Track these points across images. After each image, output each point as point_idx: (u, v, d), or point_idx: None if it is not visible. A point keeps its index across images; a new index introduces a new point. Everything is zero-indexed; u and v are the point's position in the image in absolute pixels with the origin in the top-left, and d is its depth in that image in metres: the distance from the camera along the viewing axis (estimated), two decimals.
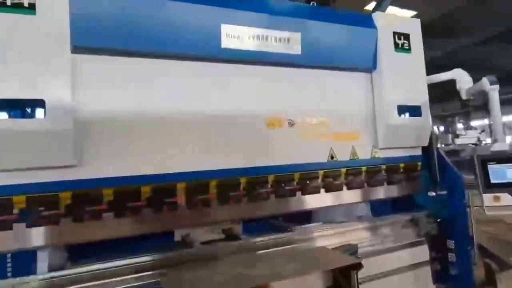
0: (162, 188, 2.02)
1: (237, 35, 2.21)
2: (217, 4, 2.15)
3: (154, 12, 1.99)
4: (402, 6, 11.69)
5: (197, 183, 2.10)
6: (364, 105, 2.73)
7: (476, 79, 3.57)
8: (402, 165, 2.83)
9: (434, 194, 2.96)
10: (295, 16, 2.41)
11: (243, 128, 2.27)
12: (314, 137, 2.50)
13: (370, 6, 10.91)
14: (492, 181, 2.65)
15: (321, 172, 2.48)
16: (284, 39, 2.36)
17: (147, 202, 1.98)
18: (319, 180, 2.47)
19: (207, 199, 2.12)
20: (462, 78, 3.22)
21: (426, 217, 2.86)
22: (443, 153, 3.02)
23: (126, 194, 1.93)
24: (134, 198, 1.95)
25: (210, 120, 2.17)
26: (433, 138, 3.01)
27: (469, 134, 12.90)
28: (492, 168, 2.65)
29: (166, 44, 2.04)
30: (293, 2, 2.57)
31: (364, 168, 2.66)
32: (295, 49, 2.40)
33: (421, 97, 2.85)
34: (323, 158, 2.53)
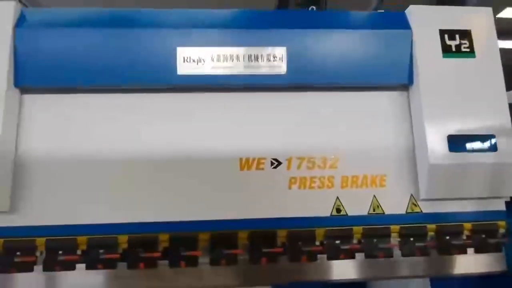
0: (100, 241, 1.67)
1: (197, 57, 1.76)
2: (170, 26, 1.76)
3: (93, 43, 1.73)
4: None
5: (142, 237, 1.68)
6: (396, 136, 1.86)
7: None
8: (467, 225, 1.81)
9: None
10: (279, 27, 1.82)
11: (205, 171, 1.76)
12: (310, 182, 1.79)
13: None
14: None
15: (319, 230, 1.74)
16: (265, 57, 1.79)
17: (82, 255, 1.65)
18: (317, 242, 1.74)
19: (152, 258, 1.67)
20: None
21: None
22: None
23: (60, 245, 1.64)
24: (69, 250, 1.65)
25: (159, 162, 1.74)
26: None
27: None
28: None
29: (108, 76, 1.74)
30: (276, 10, 1.97)
31: (394, 228, 1.78)
32: (279, 67, 1.79)
33: (497, 122, 1.80)
34: (324, 211, 1.78)
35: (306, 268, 1.75)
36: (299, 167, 1.78)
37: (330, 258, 1.74)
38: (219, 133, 1.78)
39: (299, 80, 1.81)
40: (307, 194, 1.77)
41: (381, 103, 1.88)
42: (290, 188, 1.77)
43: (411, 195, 1.81)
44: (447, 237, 1.78)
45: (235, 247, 1.70)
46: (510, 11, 9.76)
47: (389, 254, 1.75)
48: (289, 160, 1.78)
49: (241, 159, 1.76)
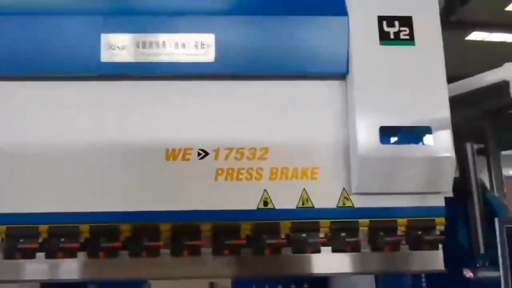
0: (20, 230, 1.61)
1: (121, 44, 1.68)
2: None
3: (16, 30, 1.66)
4: None
5: (62, 228, 1.62)
6: (331, 127, 1.75)
7: None
8: (402, 221, 1.70)
9: (471, 275, 1.68)
10: (207, 13, 1.72)
11: (129, 162, 1.68)
12: (238, 174, 1.70)
13: None
14: None
15: (245, 224, 1.66)
16: (192, 44, 1.70)
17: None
18: (242, 235, 1.65)
19: (71, 248, 1.61)
20: None
21: None
22: (501, 205, 1.71)
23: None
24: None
25: (81, 152, 1.66)
26: (471, 183, 1.74)
27: None
28: None
29: (32, 64, 1.67)
30: None
31: (323, 222, 1.68)
32: (207, 55, 1.70)
33: (434, 114, 1.68)
34: (251, 204, 1.69)
35: (231, 261, 1.67)
36: (226, 158, 1.69)
37: (256, 253, 1.65)
38: (145, 122, 1.70)
39: (229, 68, 1.71)
40: (234, 186, 1.67)
41: (317, 93, 1.77)
42: (216, 179, 1.68)
43: (344, 188, 1.70)
44: (381, 233, 1.68)
45: (157, 239, 1.63)
46: None
47: (316, 249, 1.65)
48: (217, 151, 1.69)
49: (167, 150, 1.68)
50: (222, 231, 1.63)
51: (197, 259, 1.63)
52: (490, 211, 1.73)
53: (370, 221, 1.67)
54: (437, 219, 1.70)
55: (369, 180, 1.65)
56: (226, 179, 1.67)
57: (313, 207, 1.67)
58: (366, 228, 1.68)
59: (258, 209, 1.66)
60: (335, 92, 1.76)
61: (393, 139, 1.64)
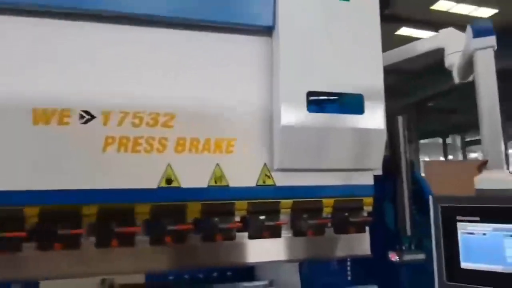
0: None
1: None
2: None
3: None
4: (480, 3, 9.41)
5: None
6: (254, 91, 1.47)
7: None
8: (329, 202, 1.51)
9: (396, 258, 1.55)
10: None
11: None
12: (134, 144, 1.35)
13: None
14: (465, 263, 1.05)
15: (141, 206, 1.32)
16: None
17: None
18: (138, 221, 1.32)
19: None
20: (453, 44, 1.63)
21: None
22: (426, 186, 1.60)
23: None
24: None
25: None
26: (401, 158, 1.61)
27: None
28: (466, 230, 1.08)
29: None
30: None
31: (240, 204, 1.42)
32: None
33: (367, 80, 1.49)
34: (150, 182, 1.36)
35: (121, 254, 1.33)
36: (120, 123, 1.31)
37: (154, 242, 1.33)
38: (7, 71, 1.26)
39: (135, 9, 1.33)
40: (128, 160, 1.31)
41: (239, 50, 1.46)
42: (105, 150, 1.29)
43: (265, 164, 1.44)
44: (304, 216, 1.47)
45: (21, 228, 1.21)
46: (443, 4, 9.92)
47: (230, 236, 1.38)
48: (106, 114, 1.30)
49: (35, 110, 1.25)
50: (111, 216, 1.27)
51: (76, 253, 1.26)
52: (417, 191, 1.61)
53: (293, 202, 1.44)
54: (365, 199, 1.53)
55: (293, 155, 1.41)
56: (118, 150, 1.30)
57: (228, 185, 1.39)
58: (289, 210, 1.45)
59: (159, 188, 1.32)
60: (260, 50, 1.47)
61: (321, 107, 1.42)
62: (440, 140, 15.77)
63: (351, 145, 1.45)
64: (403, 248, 1.52)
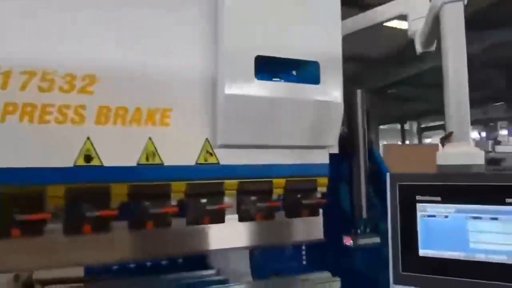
0: None
1: None
2: None
3: None
4: None
5: None
6: (194, 54, 1.26)
7: None
8: (279, 182, 1.36)
9: (351, 242, 1.44)
10: None
11: None
12: (43, 113, 1.11)
13: None
14: (423, 250, 0.89)
15: (53, 188, 1.10)
16: None
17: None
18: (49, 206, 1.09)
19: None
20: (417, 10, 1.52)
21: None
22: (385, 167, 1.49)
23: None
24: None
25: None
26: (358, 134, 1.48)
27: None
28: (426, 212, 0.89)
29: None
30: None
31: (177, 185, 1.23)
32: None
33: (323, 48, 1.32)
34: (63, 160, 1.13)
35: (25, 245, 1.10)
36: (23, 87, 1.06)
37: (67, 231, 1.11)
38: None
39: None
40: (35, 132, 1.07)
41: (179, 7, 1.24)
42: (3, 120, 1.05)
43: (207, 140, 1.25)
44: (252, 198, 1.31)
45: None
46: None
47: (164, 222, 1.20)
48: (6, 74, 1.06)
49: None
50: (13, 202, 1.04)
51: None
52: (375, 171, 1.49)
53: (239, 182, 1.27)
54: (320, 179, 1.39)
55: (239, 129, 1.23)
56: (21, 120, 1.05)
57: (163, 164, 1.18)
58: (234, 192, 1.28)
59: (75, 166, 1.10)
60: (203, 8, 1.26)
61: (272, 75, 1.24)
62: (399, 126, 16.35)
63: (305, 119, 1.29)
64: (358, 232, 1.41)
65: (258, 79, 1.20)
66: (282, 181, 1.33)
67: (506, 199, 0.78)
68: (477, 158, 0.92)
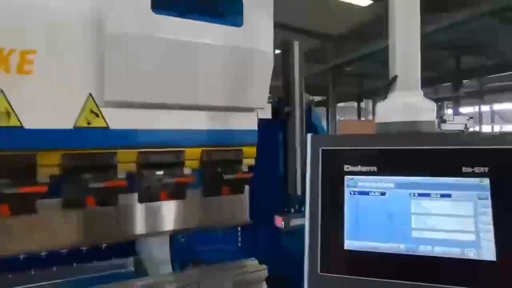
0: None
1: None
2: None
3: None
4: None
5: None
6: None
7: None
8: (192, 153, 1.10)
9: (282, 224, 1.22)
10: None
11: None
12: None
13: None
14: (351, 242, 0.60)
15: None
16: None
17: None
18: None
19: None
20: None
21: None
22: (324, 127, 1.26)
23: None
24: None
25: None
26: (295, 95, 1.23)
27: (457, 120, 11.12)
28: (357, 188, 0.61)
29: None
30: None
31: (46, 158, 0.93)
32: None
33: None
34: None
35: None
36: None
37: None
38: None
39: None
40: None
41: None
42: None
43: (90, 95, 0.94)
44: (155, 174, 1.03)
45: None
46: None
47: (27, 208, 0.90)
48: None
49: None
50: None
51: None
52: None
53: (138, 153, 0.99)
54: (246, 150, 1.14)
55: (134, 81, 0.93)
56: None
57: (21, 126, 0.87)
58: (131, 165, 1.00)
59: None
60: None
61: (176, 10, 0.94)
62: (355, 104, 16.61)
63: (224, 71, 1.02)
64: (292, 211, 1.19)
65: (156, 13, 0.90)
66: (196, 151, 1.06)
67: (463, 168, 0.56)
68: (428, 112, 0.68)
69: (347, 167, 0.60)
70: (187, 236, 1.42)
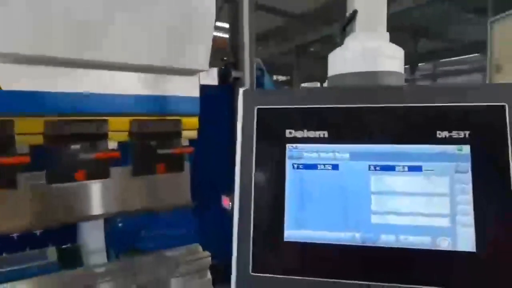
0: None
1: None
2: None
3: None
4: None
5: None
6: None
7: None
8: (118, 121, 0.92)
9: (229, 204, 1.08)
10: None
11: None
12: None
13: None
14: (292, 231, 0.43)
15: None
16: None
17: None
18: None
19: None
20: None
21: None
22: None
23: None
24: None
25: None
26: (244, 53, 1.07)
27: None
28: (301, 160, 0.44)
29: None
30: None
31: None
32: None
33: None
34: None
35: None
36: None
37: None
38: None
39: None
40: None
41: None
42: None
43: None
44: (72, 146, 0.84)
45: None
46: None
47: None
48: None
49: None
50: None
51: None
52: None
53: (46, 122, 0.79)
54: (186, 120, 0.97)
55: (33, 26, 0.72)
56: None
57: None
58: (32, 138, 0.80)
59: None
60: None
61: None
62: (319, 85, 16.80)
63: (155, 22, 0.83)
64: None
65: None
66: (124, 120, 0.88)
67: (438, 133, 0.44)
68: (394, 61, 0.51)
69: (289, 132, 0.44)
70: (124, 221, 1.24)
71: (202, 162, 1.02)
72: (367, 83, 0.47)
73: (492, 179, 0.39)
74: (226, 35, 1.14)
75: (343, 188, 0.42)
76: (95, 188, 0.88)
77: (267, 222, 0.43)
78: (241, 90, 0.47)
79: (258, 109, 0.46)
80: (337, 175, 0.43)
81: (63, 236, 1.22)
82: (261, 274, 0.42)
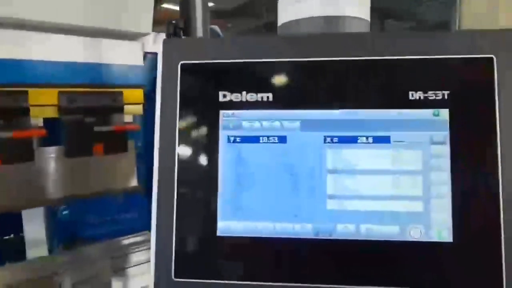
0: None
1: None
2: None
3: None
4: None
5: None
6: None
7: None
8: (43, 93, 0.79)
9: None
10: None
11: None
12: None
13: None
14: (226, 222, 0.32)
15: None
16: None
17: None
18: None
19: None
20: None
21: None
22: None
23: None
24: None
25: None
26: (196, 19, 0.96)
27: None
28: (240, 130, 0.32)
29: None
30: None
31: None
32: None
33: None
34: None
35: None
36: None
37: None
38: None
39: None
40: None
41: None
42: None
43: None
44: None
45: None
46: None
47: None
48: None
49: None
50: None
51: None
52: None
53: None
54: (129, 92, 0.85)
55: None
56: None
57: None
58: None
59: None
60: None
61: None
62: None
63: None
64: None
65: None
66: (50, 92, 0.74)
67: (411, 94, 0.34)
68: (357, 6, 0.36)
69: (223, 95, 0.33)
70: (69, 209, 1.11)
71: (152, 141, 0.90)
72: (325, 31, 0.38)
73: (475, 152, 0.31)
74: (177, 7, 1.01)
75: (292, 166, 0.33)
76: (16, 172, 0.75)
77: (195, 212, 0.33)
78: (161, 45, 0.36)
79: (183, 64, 0.35)
80: (284, 150, 0.33)
81: (6, 226, 1.08)
82: (187, 280, 0.32)
